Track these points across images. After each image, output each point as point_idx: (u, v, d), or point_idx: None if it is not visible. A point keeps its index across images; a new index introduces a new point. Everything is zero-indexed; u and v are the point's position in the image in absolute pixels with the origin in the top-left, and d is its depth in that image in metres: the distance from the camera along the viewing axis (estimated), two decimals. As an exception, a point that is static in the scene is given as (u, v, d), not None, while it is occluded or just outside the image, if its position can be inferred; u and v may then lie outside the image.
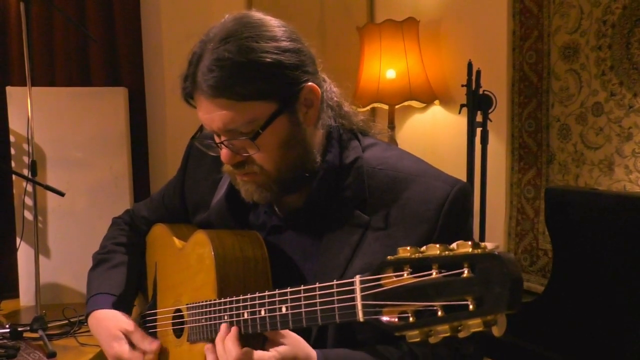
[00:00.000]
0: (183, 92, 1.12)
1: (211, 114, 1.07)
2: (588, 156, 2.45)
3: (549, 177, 2.61)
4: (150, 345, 1.31)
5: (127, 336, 1.33)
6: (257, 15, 1.10)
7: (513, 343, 1.97)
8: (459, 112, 2.57)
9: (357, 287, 0.80)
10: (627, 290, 1.80)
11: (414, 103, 3.09)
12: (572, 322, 1.89)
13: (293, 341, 1.04)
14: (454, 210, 1.10)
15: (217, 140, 1.12)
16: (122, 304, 1.43)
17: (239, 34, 1.05)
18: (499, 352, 1.99)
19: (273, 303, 0.98)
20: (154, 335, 1.41)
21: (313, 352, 1.05)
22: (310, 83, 1.10)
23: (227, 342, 1.04)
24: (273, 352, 1.01)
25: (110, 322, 1.36)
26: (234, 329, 1.05)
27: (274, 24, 1.10)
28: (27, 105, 2.61)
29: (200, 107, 1.09)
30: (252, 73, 1.04)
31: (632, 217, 1.81)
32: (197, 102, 1.10)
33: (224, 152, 1.10)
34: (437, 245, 0.66)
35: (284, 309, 0.96)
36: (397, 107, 3.07)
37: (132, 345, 1.32)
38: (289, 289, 0.96)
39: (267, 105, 1.06)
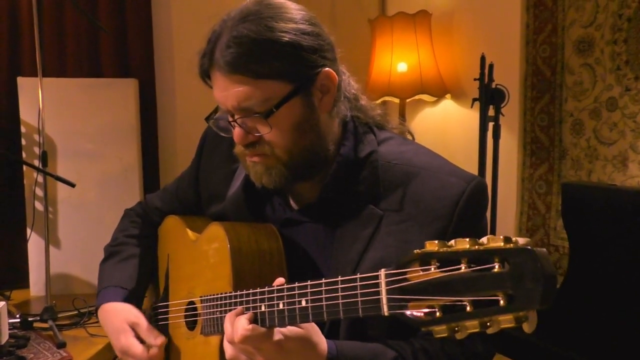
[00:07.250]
0: (200, 70, 1.12)
1: (226, 91, 1.07)
2: (601, 152, 2.42)
3: (561, 173, 2.60)
4: (155, 339, 1.30)
5: (134, 329, 1.33)
6: None
7: (526, 340, 1.96)
8: (471, 106, 2.56)
9: (382, 280, 0.79)
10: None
11: (425, 97, 3.07)
12: (587, 319, 1.88)
13: (308, 327, 1.02)
14: (469, 207, 1.09)
15: (230, 119, 1.12)
16: (132, 297, 1.43)
17: (258, 13, 1.05)
18: (512, 349, 1.98)
19: (292, 296, 0.96)
20: (165, 327, 1.41)
21: (324, 341, 1.03)
22: (327, 69, 1.10)
23: (239, 322, 1.00)
24: (284, 330, 0.99)
25: (118, 314, 1.36)
26: (249, 313, 1.02)
27: (294, 7, 1.11)
28: (38, 96, 2.60)
29: (216, 84, 1.09)
30: (269, 51, 1.04)
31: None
32: (213, 80, 1.11)
33: (237, 131, 1.10)
34: (467, 240, 0.65)
35: (303, 302, 0.94)
36: (408, 100, 3.05)
37: (139, 338, 1.32)
38: (309, 282, 0.94)
39: (282, 85, 1.06)
